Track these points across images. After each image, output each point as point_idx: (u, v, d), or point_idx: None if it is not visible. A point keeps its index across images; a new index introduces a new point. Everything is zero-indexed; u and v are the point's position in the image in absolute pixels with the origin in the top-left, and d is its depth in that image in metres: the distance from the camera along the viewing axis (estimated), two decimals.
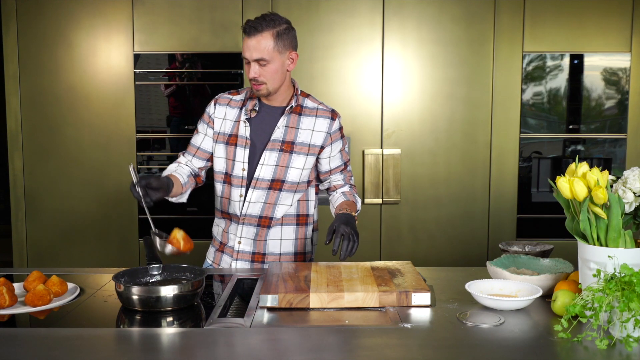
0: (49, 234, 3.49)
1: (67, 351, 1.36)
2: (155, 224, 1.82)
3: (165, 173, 2.12)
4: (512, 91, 3.43)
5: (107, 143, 3.45)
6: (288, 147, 2.08)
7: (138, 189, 1.82)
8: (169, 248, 1.76)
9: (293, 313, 1.60)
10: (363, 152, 3.44)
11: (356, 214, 2.14)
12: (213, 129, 2.15)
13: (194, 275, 1.77)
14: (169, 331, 1.50)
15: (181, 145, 3.46)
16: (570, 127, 3.46)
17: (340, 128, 2.17)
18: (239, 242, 2.13)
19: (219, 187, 2.17)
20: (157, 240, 1.77)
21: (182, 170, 2.16)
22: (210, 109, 2.17)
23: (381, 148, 3.45)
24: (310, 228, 2.20)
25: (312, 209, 2.19)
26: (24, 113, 3.45)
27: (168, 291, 1.59)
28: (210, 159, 2.19)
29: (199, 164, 2.19)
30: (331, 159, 2.16)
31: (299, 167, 2.10)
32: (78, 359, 1.32)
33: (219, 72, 3.42)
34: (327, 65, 3.41)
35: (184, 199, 2.16)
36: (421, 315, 1.58)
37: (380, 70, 3.43)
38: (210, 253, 2.25)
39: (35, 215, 3.48)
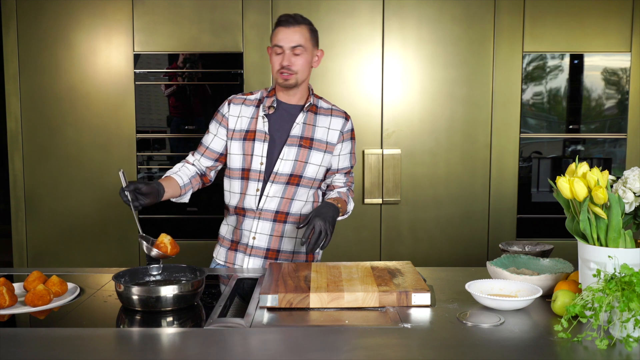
0: (49, 234, 3.49)
1: (67, 351, 1.36)
2: (143, 227, 1.85)
3: (167, 174, 2.15)
4: (512, 91, 3.43)
5: (107, 143, 3.45)
6: (307, 143, 2.14)
7: (127, 193, 1.86)
8: (155, 252, 1.79)
9: (293, 313, 1.60)
10: (363, 152, 3.44)
11: (344, 216, 2.18)
12: (227, 127, 2.18)
13: (194, 275, 1.77)
14: (169, 331, 1.50)
15: (181, 145, 3.46)
16: (570, 127, 3.46)
17: (352, 130, 2.25)
18: (254, 238, 2.14)
19: (235, 183, 2.18)
20: (144, 243, 1.81)
21: (185, 171, 2.18)
22: (223, 108, 2.21)
23: (381, 148, 3.45)
24: None
25: None
26: (24, 113, 3.45)
27: (168, 291, 1.59)
28: (220, 159, 2.22)
29: (207, 163, 2.22)
30: (340, 158, 2.22)
31: (316, 164, 2.16)
32: (78, 359, 1.32)
33: (219, 72, 3.42)
34: (327, 65, 3.41)
35: (185, 199, 2.19)
36: (421, 315, 1.58)
37: (380, 70, 3.43)
38: (221, 254, 2.25)
39: (35, 215, 3.48)
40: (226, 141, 2.19)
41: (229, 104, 2.20)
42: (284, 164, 2.12)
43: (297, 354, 1.34)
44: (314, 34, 2.15)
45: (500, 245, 2.10)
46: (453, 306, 1.64)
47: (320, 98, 2.25)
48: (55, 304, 1.65)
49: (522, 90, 3.43)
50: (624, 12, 3.38)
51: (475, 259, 3.47)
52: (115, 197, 3.44)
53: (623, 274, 1.37)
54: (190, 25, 3.40)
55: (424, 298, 1.64)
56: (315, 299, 1.62)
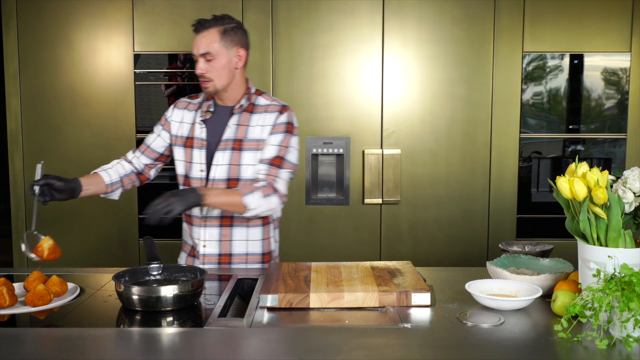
0: (49, 234, 3.48)
1: (67, 351, 1.36)
2: (37, 225, 1.83)
3: (97, 169, 2.16)
4: (512, 91, 3.43)
5: (107, 143, 3.45)
6: (239, 145, 2.08)
7: (35, 187, 1.87)
8: (32, 255, 1.75)
9: (293, 313, 1.60)
10: (363, 152, 3.44)
11: (248, 212, 1.96)
12: (169, 132, 2.19)
13: (194, 275, 1.77)
14: (169, 331, 1.50)
15: None
16: (570, 127, 3.46)
17: (288, 123, 2.08)
18: (204, 246, 2.13)
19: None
20: (23, 245, 1.77)
21: (119, 169, 2.19)
22: (168, 112, 2.22)
23: (381, 148, 3.45)
24: (272, 226, 2.20)
25: None
26: (24, 113, 3.45)
27: (168, 291, 1.59)
28: (159, 159, 2.23)
29: (145, 160, 2.23)
30: (267, 147, 2.07)
31: (252, 164, 2.08)
32: (78, 359, 1.32)
33: None
34: (327, 65, 3.41)
35: (114, 196, 2.19)
36: (421, 315, 1.58)
37: (380, 70, 3.43)
38: (182, 259, 2.27)
39: None
40: (170, 144, 2.20)
41: (173, 108, 2.20)
42: (219, 170, 2.08)
43: (297, 354, 1.34)
44: (227, 35, 2.04)
45: (500, 245, 2.10)
46: (453, 306, 1.64)
47: (262, 94, 2.15)
48: (55, 304, 1.65)
49: (522, 90, 3.43)
50: (624, 12, 3.38)
51: (475, 259, 3.47)
52: None
53: (623, 274, 1.37)
54: (190, 25, 3.40)
55: (424, 298, 1.64)
56: (315, 299, 1.62)
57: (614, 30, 3.39)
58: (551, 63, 3.42)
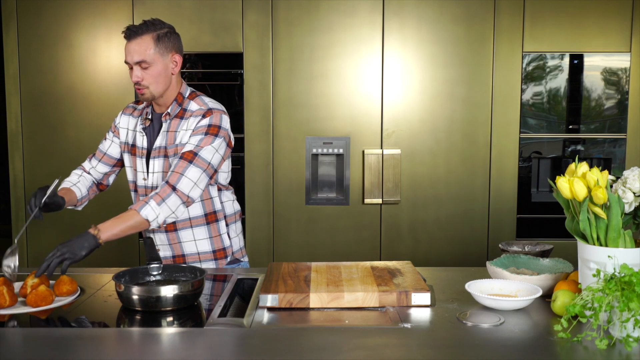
0: (49, 234, 3.49)
1: (67, 351, 1.36)
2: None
3: (66, 184, 2.15)
4: (512, 91, 3.43)
5: None
6: (166, 152, 2.07)
7: (39, 207, 1.89)
8: (17, 288, 1.65)
9: (293, 313, 1.60)
10: (363, 152, 3.44)
11: (153, 223, 1.91)
12: (119, 138, 2.19)
13: (194, 275, 1.77)
14: (169, 331, 1.50)
15: None
16: (570, 127, 3.47)
17: (209, 126, 2.00)
18: (158, 250, 2.14)
19: (133, 195, 2.20)
20: (8, 270, 1.70)
21: (84, 182, 2.20)
22: (117, 118, 2.21)
23: (381, 148, 3.45)
24: (222, 223, 2.16)
25: (217, 205, 2.14)
26: (24, 113, 3.45)
27: (168, 291, 1.59)
28: (117, 164, 2.23)
29: (104, 169, 2.23)
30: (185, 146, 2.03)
31: None
32: (78, 359, 1.33)
33: (219, 72, 3.42)
34: (327, 65, 3.41)
35: (80, 208, 2.22)
36: (421, 315, 1.58)
37: (380, 70, 3.43)
38: None
39: None
40: (121, 151, 2.21)
41: (121, 114, 2.20)
42: (156, 177, 2.08)
43: (297, 354, 1.34)
44: (161, 41, 1.99)
45: (500, 245, 2.10)
46: (453, 306, 1.64)
47: (195, 98, 2.08)
48: (56, 304, 1.65)
49: (522, 90, 3.43)
50: (624, 12, 3.38)
51: (475, 259, 3.47)
52: (115, 196, 3.44)
53: (623, 274, 1.37)
54: (190, 25, 3.40)
55: (424, 298, 1.64)
56: (315, 299, 1.62)
57: (614, 30, 3.39)
58: (551, 63, 3.43)
